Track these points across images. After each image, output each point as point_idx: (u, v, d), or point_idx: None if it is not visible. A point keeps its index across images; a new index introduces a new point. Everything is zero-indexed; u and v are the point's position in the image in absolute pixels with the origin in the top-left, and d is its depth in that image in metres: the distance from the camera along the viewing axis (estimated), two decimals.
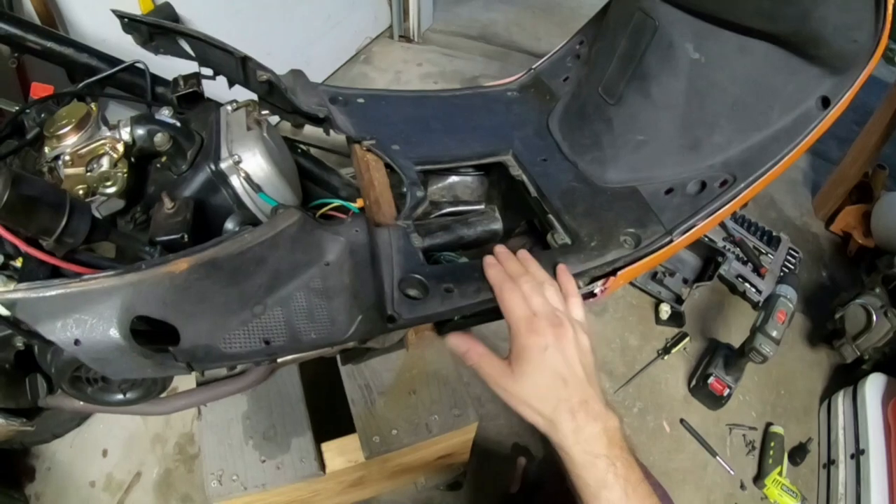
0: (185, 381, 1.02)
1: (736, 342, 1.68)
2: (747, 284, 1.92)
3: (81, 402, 0.91)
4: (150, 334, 0.68)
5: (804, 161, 2.51)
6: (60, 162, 0.85)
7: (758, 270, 1.95)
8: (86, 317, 0.62)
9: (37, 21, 1.47)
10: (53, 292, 0.60)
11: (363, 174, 1.00)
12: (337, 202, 1.01)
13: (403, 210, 0.91)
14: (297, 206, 0.91)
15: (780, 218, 2.28)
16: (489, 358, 0.72)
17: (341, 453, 0.98)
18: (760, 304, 1.67)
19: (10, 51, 1.29)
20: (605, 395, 1.64)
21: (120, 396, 0.87)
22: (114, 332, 0.62)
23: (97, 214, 0.83)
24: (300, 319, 0.72)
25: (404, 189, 0.96)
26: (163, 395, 0.92)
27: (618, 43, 1.10)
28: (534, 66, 1.32)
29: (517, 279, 0.74)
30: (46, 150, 0.86)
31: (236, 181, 0.88)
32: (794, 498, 1.53)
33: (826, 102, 1.00)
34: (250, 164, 0.89)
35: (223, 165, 0.87)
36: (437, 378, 1.02)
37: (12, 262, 0.69)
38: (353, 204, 0.99)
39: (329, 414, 1.05)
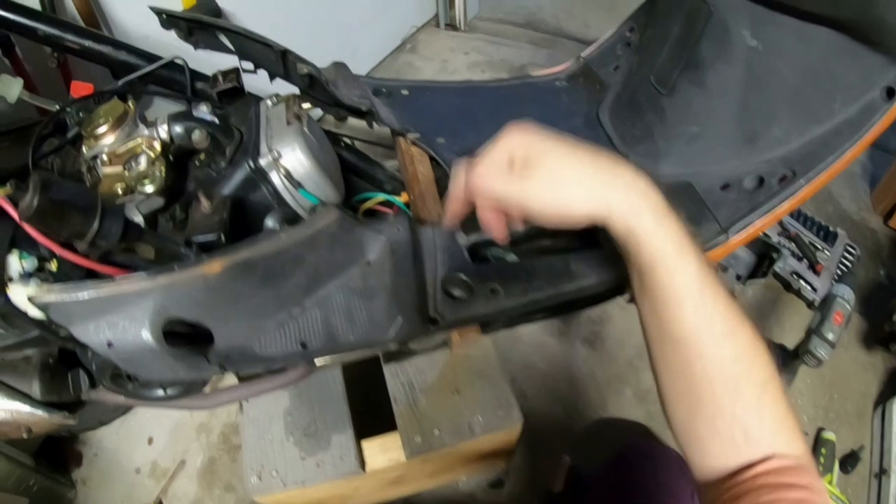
0: (228, 375, 1.02)
1: (789, 342, 1.60)
2: (802, 282, 1.83)
3: (123, 398, 0.92)
4: (185, 335, 0.67)
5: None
6: (99, 161, 0.85)
7: (813, 267, 1.85)
8: (118, 319, 0.61)
9: (79, 21, 1.48)
10: (86, 295, 0.59)
11: (407, 168, 0.98)
12: (381, 196, 0.99)
13: None
14: (336, 203, 0.89)
15: (836, 212, 2.17)
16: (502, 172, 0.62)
17: (382, 451, 0.96)
18: (817, 305, 1.59)
19: (51, 51, 1.32)
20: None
21: (161, 392, 0.87)
22: (146, 335, 0.61)
23: (138, 213, 0.82)
24: (338, 321, 0.70)
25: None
26: (205, 389, 0.93)
27: (670, 29, 1.05)
28: (583, 55, 1.27)
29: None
30: (85, 149, 0.86)
31: (276, 178, 0.86)
32: None
33: (891, 93, 0.93)
34: (290, 160, 0.87)
35: (262, 162, 0.85)
36: (482, 377, 0.99)
37: (47, 265, 0.69)
38: (397, 198, 0.97)
39: (370, 411, 1.04)
